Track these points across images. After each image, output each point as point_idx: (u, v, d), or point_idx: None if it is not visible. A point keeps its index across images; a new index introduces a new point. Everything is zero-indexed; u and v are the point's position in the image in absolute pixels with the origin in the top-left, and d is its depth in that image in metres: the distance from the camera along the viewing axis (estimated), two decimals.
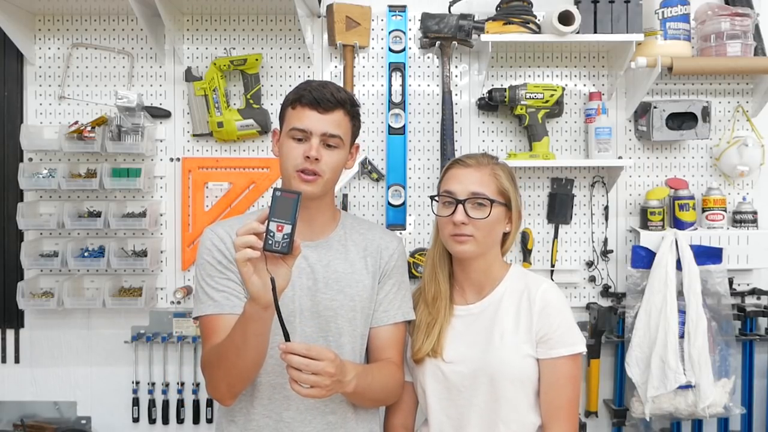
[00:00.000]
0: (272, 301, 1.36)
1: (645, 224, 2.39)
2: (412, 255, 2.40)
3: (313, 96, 1.58)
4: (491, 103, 2.39)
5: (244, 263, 1.35)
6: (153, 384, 2.43)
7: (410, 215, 2.45)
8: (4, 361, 2.45)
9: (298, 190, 1.49)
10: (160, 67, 2.44)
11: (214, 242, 1.64)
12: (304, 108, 1.58)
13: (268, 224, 1.35)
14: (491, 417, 1.63)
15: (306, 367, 1.39)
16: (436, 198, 1.71)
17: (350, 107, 1.64)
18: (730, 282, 2.36)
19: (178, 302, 2.40)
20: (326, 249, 1.68)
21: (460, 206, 1.63)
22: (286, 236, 1.35)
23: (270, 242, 1.34)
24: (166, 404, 2.43)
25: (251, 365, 1.52)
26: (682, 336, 2.24)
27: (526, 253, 2.44)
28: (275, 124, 2.05)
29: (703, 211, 2.40)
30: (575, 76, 2.47)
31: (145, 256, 2.35)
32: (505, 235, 1.73)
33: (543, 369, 1.64)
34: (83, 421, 2.44)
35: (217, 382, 1.56)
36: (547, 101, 2.35)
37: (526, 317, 1.65)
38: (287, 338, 1.39)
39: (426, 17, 2.36)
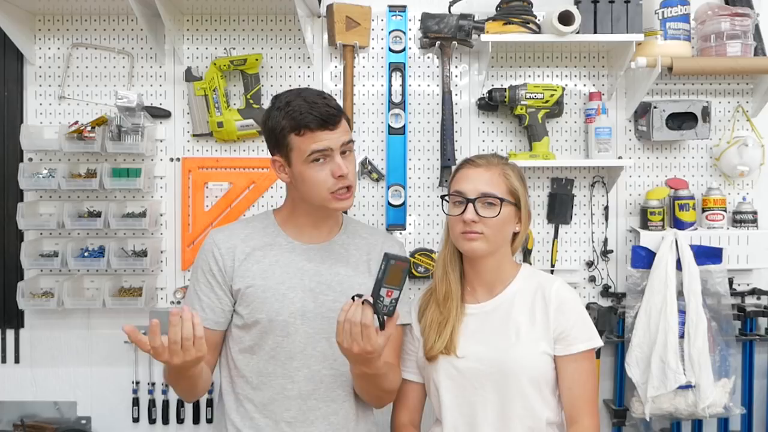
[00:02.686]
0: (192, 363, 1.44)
1: (645, 224, 2.39)
2: (413, 255, 2.40)
3: (317, 116, 1.57)
4: (491, 103, 2.39)
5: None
6: (153, 384, 2.43)
7: (410, 215, 2.45)
8: (4, 361, 2.45)
9: (336, 208, 1.63)
10: (160, 67, 2.44)
11: (211, 249, 1.68)
12: (315, 132, 1.57)
13: (378, 289, 1.39)
14: (506, 413, 1.65)
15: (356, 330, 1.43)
16: (447, 198, 1.73)
17: (343, 110, 1.67)
18: (730, 282, 2.35)
19: (178, 302, 2.40)
20: (329, 252, 1.70)
21: (471, 205, 1.65)
22: (393, 301, 1.41)
23: (380, 306, 1.40)
24: (166, 404, 2.43)
25: (193, 393, 1.68)
26: (682, 336, 2.23)
27: (526, 253, 2.44)
28: None
29: (703, 211, 2.40)
30: (575, 76, 2.47)
31: (145, 256, 2.34)
32: (515, 235, 1.74)
33: (564, 365, 1.66)
34: (83, 421, 2.43)
35: (174, 388, 1.71)
36: (547, 101, 2.35)
37: (541, 315, 1.67)
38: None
39: (426, 17, 2.36)
